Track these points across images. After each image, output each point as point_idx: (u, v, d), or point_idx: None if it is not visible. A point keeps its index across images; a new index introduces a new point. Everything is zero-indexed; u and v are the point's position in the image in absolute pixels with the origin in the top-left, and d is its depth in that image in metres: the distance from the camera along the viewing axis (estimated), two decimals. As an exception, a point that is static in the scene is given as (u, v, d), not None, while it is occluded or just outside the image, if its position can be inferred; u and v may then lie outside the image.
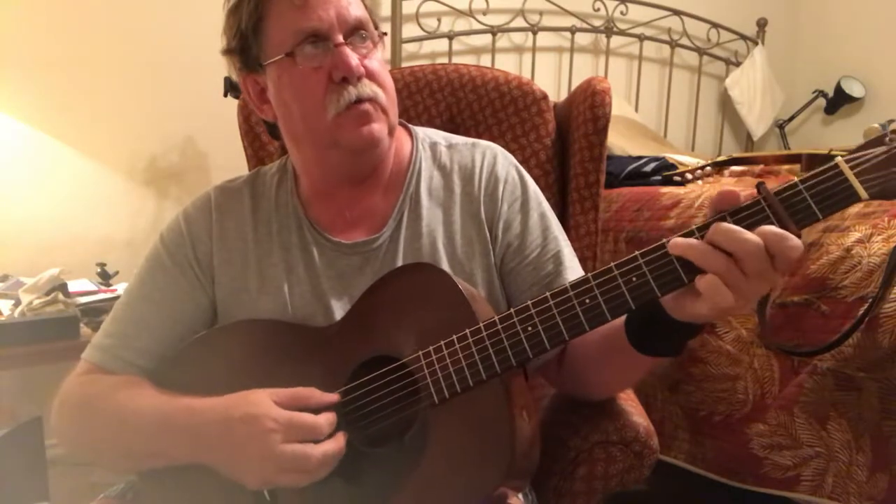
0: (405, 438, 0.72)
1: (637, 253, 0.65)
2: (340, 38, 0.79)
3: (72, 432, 0.84)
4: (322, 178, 0.89)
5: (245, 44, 0.84)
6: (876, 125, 0.60)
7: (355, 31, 0.81)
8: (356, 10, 0.81)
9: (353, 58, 0.79)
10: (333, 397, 0.74)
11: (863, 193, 0.59)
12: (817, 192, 0.60)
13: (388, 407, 0.74)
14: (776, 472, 1.32)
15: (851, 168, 0.59)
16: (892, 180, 0.58)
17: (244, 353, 0.82)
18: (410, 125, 0.96)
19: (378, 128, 0.81)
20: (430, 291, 0.75)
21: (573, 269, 0.88)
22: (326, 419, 0.71)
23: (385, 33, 0.85)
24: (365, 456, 0.73)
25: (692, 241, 0.62)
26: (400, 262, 0.86)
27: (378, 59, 0.83)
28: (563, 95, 1.56)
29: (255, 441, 0.69)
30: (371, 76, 0.81)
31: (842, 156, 0.60)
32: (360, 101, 0.80)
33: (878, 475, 1.18)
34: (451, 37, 2.53)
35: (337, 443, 0.71)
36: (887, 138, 0.59)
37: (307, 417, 0.70)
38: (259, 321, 0.85)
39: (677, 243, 0.63)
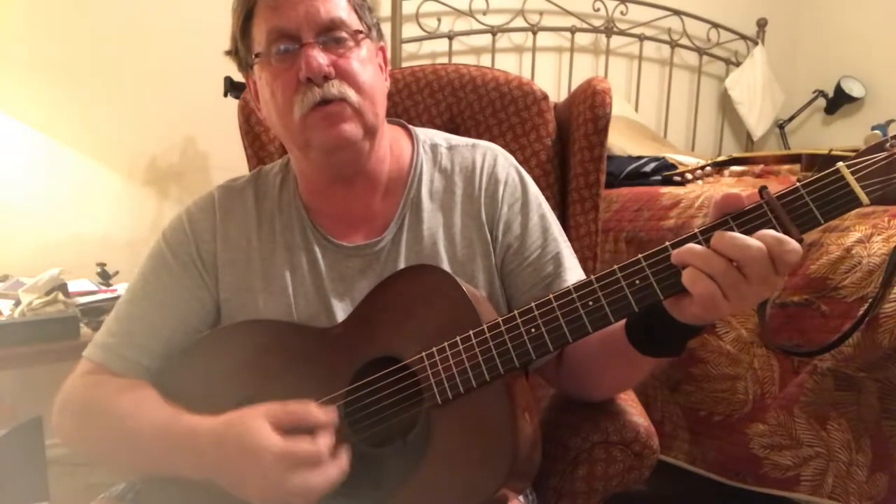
0: (407, 439, 0.72)
1: (640, 256, 0.65)
2: (309, 38, 0.78)
3: (73, 434, 0.84)
4: (313, 177, 0.89)
5: (237, 43, 0.85)
6: (877, 132, 0.60)
7: (329, 31, 0.80)
8: (333, 10, 0.80)
9: (318, 58, 0.77)
10: (331, 416, 0.71)
11: (864, 198, 0.59)
12: (819, 197, 0.60)
13: (390, 408, 0.74)
14: (776, 472, 1.32)
15: (853, 173, 0.60)
16: (892, 185, 0.58)
17: (248, 354, 0.82)
18: (411, 126, 0.96)
19: (349, 128, 0.80)
20: (434, 293, 0.75)
21: (573, 271, 0.88)
22: (325, 443, 0.69)
23: (362, 32, 0.82)
24: (367, 456, 0.73)
25: (693, 248, 0.62)
26: (401, 266, 0.86)
27: (358, 59, 0.81)
28: (563, 95, 1.56)
29: (254, 474, 0.68)
30: (343, 76, 0.79)
31: (842, 158, 0.61)
32: (326, 101, 0.78)
33: (878, 475, 1.18)
34: (451, 37, 2.53)
35: (339, 465, 0.69)
36: (888, 144, 0.60)
37: (305, 447, 0.68)
38: (262, 321, 0.85)
39: (680, 253, 0.63)
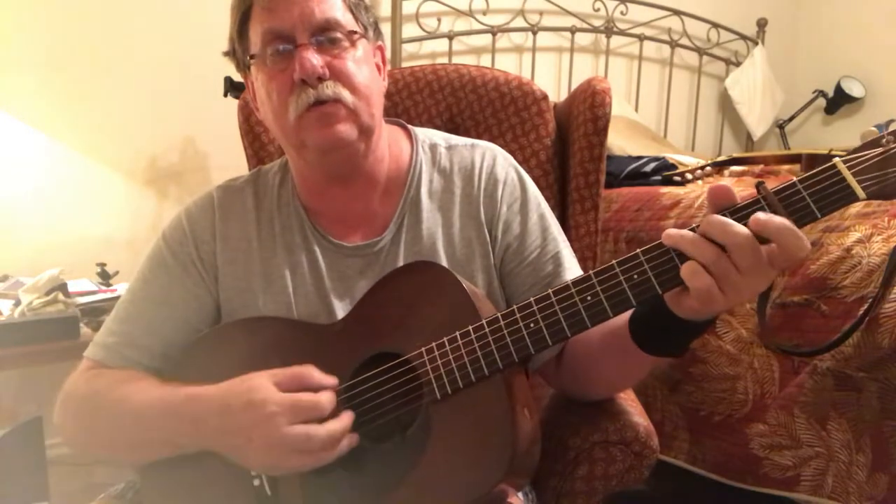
0: (407, 434, 0.72)
1: (639, 251, 0.66)
2: (303, 39, 0.79)
3: (76, 426, 0.84)
4: (310, 177, 0.89)
5: (235, 44, 0.86)
6: (873, 128, 0.61)
7: (323, 31, 0.80)
8: (328, 11, 0.80)
9: (311, 59, 0.77)
10: (333, 379, 0.73)
11: (860, 193, 0.60)
12: (816, 192, 0.61)
13: (390, 402, 0.74)
14: (776, 472, 1.32)
15: (849, 168, 0.60)
16: (888, 180, 0.59)
17: (248, 351, 0.82)
18: (410, 126, 0.96)
19: (343, 129, 0.80)
20: (434, 289, 0.75)
21: (572, 270, 0.89)
22: (327, 397, 0.71)
23: (357, 32, 0.82)
24: (366, 451, 0.73)
25: (684, 231, 0.63)
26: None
27: (353, 59, 0.81)
28: (563, 95, 1.56)
29: (259, 426, 0.69)
30: (338, 77, 0.79)
31: (840, 156, 0.61)
32: (320, 102, 0.78)
33: (878, 475, 1.18)
34: (451, 37, 2.53)
35: (342, 421, 0.71)
36: (884, 140, 0.60)
37: (308, 397, 0.70)
38: (262, 318, 0.85)
39: (670, 234, 0.64)
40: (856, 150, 0.61)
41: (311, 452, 0.69)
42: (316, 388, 0.72)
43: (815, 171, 0.61)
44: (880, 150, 0.60)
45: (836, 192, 0.60)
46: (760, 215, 0.60)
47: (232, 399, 0.72)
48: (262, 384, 0.71)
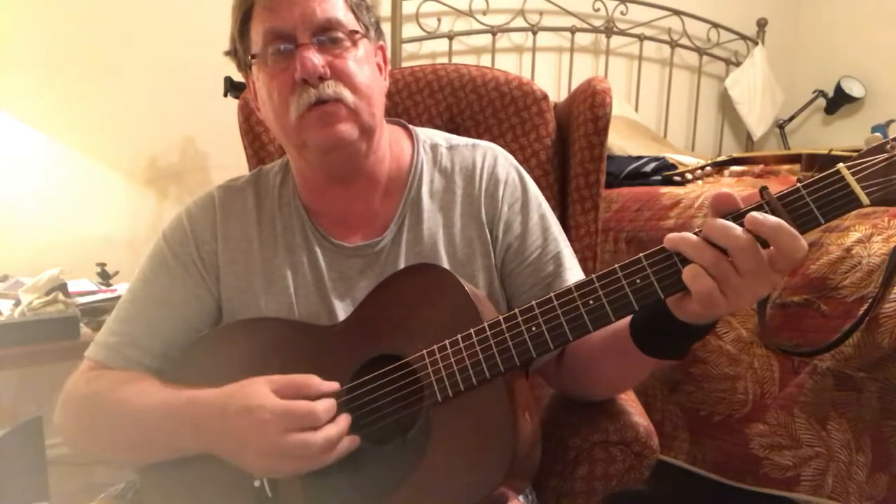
0: (407, 437, 0.72)
1: (641, 255, 0.66)
2: (305, 39, 0.79)
3: (76, 426, 0.84)
4: (311, 177, 0.89)
5: (236, 44, 0.86)
6: (878, 134, 0.61)
7: (325, 31, 0.80)
8: (329, 11, 0.80)
9: (312, 58, 0.77)
10: (333, 386, 0.73)
11: (864, 199, 0.59)
12: (819, 197, 0.61)
13: (390, 405, 0.74)
14: (776, 472, 1.33)
15: (853, 174, 0.60)
16: (892, 186, 0.59)
17: (249, 352, 0.82)
18: (411, 126, 0.96)
19: (344, 128, 0.80)
20: (436, 291, 0.75)
21: (573, 271, 0.89)
22: (324, 405, 0.71)
23: (358, 32, 0.82)
24: (367, 453, 0.73)
25: (686, 234, 0.63)
26: (402, 266, 0.86)
27: (354, 59, 0.81)
28: (563, 95, 1.56)
29: (253, 433, 0.70)
30: (339, 76, 0.79)
31: (842, 158, 0.61)
32: (321, 102, 0.78)
33: (878, 475, 1.18)
34: (451, 37, 2.53)
35: (339, 426, 0.71)
36: (888, 146, 0.60)
37: (303, 405, 0.70)
38: (263, 319, 0.85)
39: (672, 237, 0.64)
40: (860, 156, 0.61)
41: (307, 458, 0.70)
42: (315, 396, 0.71)
43: (818, 176, 0.61)
44: (885, 155, 0.60)
45: (840, 198, 0.60)
46: (756, 214, 0.60)
47: (230, 403, 0.72)
48: (260, 390, 0.71)
